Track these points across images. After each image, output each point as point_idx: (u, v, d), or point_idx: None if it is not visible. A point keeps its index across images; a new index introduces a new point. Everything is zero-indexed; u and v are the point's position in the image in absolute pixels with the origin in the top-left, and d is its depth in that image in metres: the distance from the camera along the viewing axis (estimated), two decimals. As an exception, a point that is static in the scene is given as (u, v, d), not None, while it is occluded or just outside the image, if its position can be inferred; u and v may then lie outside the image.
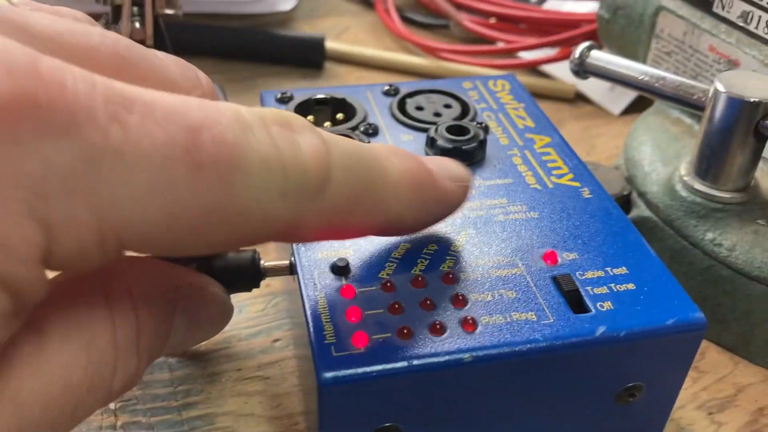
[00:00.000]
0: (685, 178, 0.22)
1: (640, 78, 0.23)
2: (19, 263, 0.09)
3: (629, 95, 0.33)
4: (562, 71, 0.35)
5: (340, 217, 0.12)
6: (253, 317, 0.21)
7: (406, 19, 0.38)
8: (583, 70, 0.24)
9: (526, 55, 0.36)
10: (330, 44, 0.35)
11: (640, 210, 0.24)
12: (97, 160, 0.09)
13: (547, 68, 0.35)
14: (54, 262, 0.10)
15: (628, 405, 0.16)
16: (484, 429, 0.15)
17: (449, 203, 0.15)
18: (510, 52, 0.36)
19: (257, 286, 0.16)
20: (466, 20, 0.36)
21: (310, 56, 0.34)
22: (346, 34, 0.38)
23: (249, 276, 0.16)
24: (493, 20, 0.36)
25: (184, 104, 0.10)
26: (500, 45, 0.36)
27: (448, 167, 0.15)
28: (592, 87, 0.34)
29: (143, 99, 0.10)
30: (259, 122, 0.11)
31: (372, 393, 0.13)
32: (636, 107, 0.33)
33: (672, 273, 0.21)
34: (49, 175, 0.09)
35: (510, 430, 0.16)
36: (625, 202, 0.24)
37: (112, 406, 0.18)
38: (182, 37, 0.30)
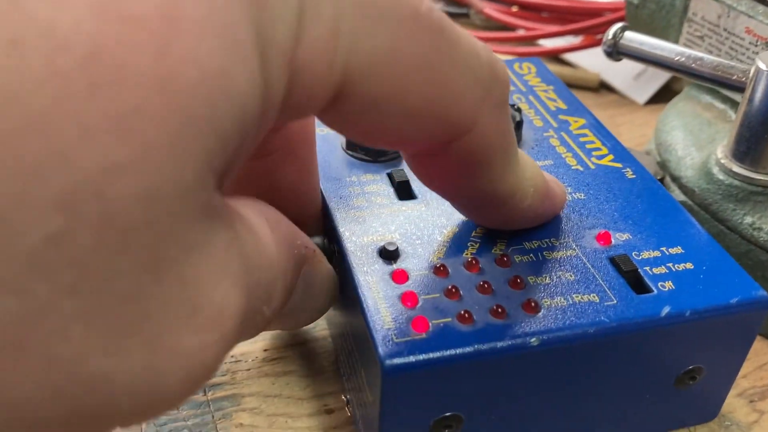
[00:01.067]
0: (722, 161, 0.22)
1: (675, 59, 0.22)
2: (274, 64, 0.08)
3: (654, 84, 0.33)
4: (585, 59, 0.34)
5: (496, 143, 0.12)
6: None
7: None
8: (616, 51, 0.24)
9: (548, 43, 0.35)
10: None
11: (675, 194, 0.23)
12: None
13: (571, 57, 0.35)
14: (292, 68, 0.09)
15: (688, 389, 0.16)
16: (544, 415, 0.15)
17: (556, 203, 0.16)
18: (531, 40, 0.35)
19: None
20: (488, 8, 0.36)
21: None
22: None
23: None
24: (514, 9, 0.36)
25: None
26: (521, 32, 0.35)
27: (547, 174, 0.16)
28: (616, 76, 0.33)
29: None
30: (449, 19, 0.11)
31: (436, 380, 0.13)
32: (661, 97, 0.32)
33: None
34: None
35: (570, 416, 0.15)
36: (659, 187, 0.24)
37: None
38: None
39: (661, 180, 0.24)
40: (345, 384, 0.17)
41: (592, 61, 0.34)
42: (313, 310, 0.14)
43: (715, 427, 0.18)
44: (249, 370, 0.18)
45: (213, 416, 0.17)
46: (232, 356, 0.19)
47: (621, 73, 0.33)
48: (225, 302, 0.08)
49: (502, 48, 0.34)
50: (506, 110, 0.12)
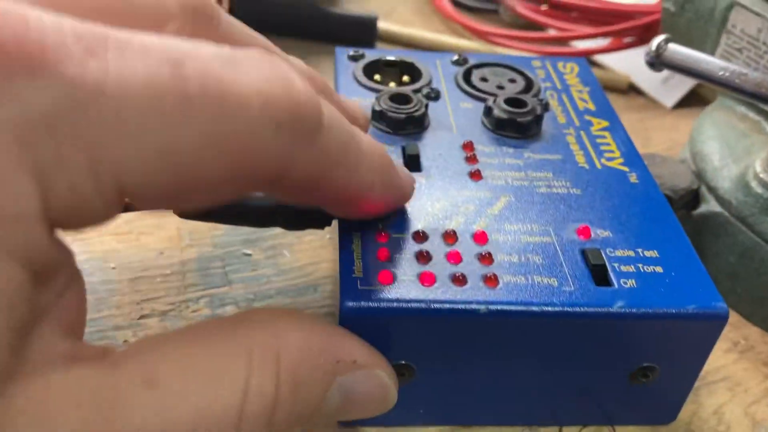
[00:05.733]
0: (760, 175, 0.21)
1: (719, 74, 0.22)
2: (18, 223, 0.09)
3: (682, 88, 0.32)
4: (614, 62, 0.34)
5: (327, 168, 0.12)
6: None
7: (454, 2, 0.38)
8: (659, 62, 0.23)
9: (578, 44, 0.35)
10: (382, 24, 0.34)
11: (710, 205, 0.23)
12: (78, 98, 0.09)
13: (600, 58, 0.34)
14: (54, 214, 0.09)
15: (642, 386, 0.16)
16: (494, 383, 0.15)
17: (404, 192, 0.15)
18: (563, 40, 0.35)
19: (329, 224, 0.16)
20: (518, 6, 0.36)
21: (362, 36, 0.34)
22: (394, 15, 0.38)
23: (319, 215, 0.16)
24: (544, 7, 0.35)
25: (160, 39, 0.10)
26: (552, 32, 0.35)
27: (399, 163, 0.15)
28: (644, 79, 0.33)
29: (116, 35, 0.09)
30: (244, 55, 0.10)
31: (389, 328, 0.14)
32: (688, 101, 0.32)
33: (742, 270, 0.21)
34: (30, 119, 0.08)
35: (519, 388, 0.16)
36: (693, 197, 0.23)
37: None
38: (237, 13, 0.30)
39: (696, 190, 0.23)
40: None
41: (621, 64, 0.33)
42: (360, 413, 0.13)
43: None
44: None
45: None
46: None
47: (649, 77, 0.32)
48: None
49: (531, 47, 0.34)
50: (338, 140, 0.12)
